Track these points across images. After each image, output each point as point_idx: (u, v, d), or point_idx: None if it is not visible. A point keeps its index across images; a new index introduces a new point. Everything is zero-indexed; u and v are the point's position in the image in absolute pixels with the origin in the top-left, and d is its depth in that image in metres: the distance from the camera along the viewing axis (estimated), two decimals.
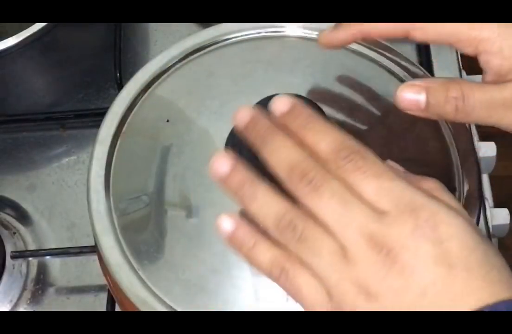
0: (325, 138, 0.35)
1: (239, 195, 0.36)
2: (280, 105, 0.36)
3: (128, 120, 0.47)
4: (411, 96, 0.37)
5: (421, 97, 0.36)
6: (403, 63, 0.48)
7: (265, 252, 0.35)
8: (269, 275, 0.35)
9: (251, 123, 0.36)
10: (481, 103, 0.36)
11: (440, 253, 0.32)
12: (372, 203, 0.33)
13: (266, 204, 0.35)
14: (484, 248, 0.33)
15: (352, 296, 0.33)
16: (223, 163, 0.36)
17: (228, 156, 0.36)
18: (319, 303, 0.34)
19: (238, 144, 0.39)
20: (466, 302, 0.32)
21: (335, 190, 0.33)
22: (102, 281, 0.48)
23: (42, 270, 0.58)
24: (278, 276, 0.35)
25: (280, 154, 0.35)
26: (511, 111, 0.37)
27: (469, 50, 0.37)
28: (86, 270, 0.58)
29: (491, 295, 0.32)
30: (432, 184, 0.36)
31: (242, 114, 0.37)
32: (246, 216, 0.36)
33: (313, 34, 0.49)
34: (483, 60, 0.37)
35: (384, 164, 0.34)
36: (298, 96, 0.41)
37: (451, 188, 0.43)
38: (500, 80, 0.37)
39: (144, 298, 0.40)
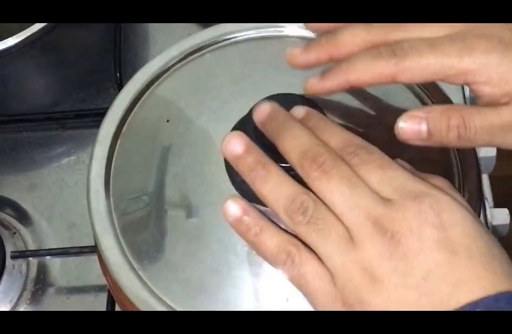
0: (334, 137, 0.37)
1: (251, 177, 0.37)
2: (296, 112, 0.39)
3: (128, 120, 0.47)
4: (412, 127, 0.37)
5: (423, 128, 0.37)
6: None
7: (272, 238, 0.36)
8: (275, 260, 0.36)
9: (271, 115, 0.38)
10: (482, 129, 0.37)
11: (444, 238, 0.33)
12: (377, 192, 0.34)
13: (278, 186, 0.36)
14: (487, 238, 0.34)
15: (357, 280, 0.33)
16: (237, 143, 0.37)
17: (243, 136, 0.38)
18: (323, 290, 0.34)
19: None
20: (468, 289, 0.32)
21: (344, 174, 0.35)
22: (102, 281, 0.48)
23: (42, 270, 0.58)
24: (283, 262, 0.35)
25: (294, 141, 0.36)
26: (511, 133, 0.37)
27: (458, 82, 0.37)
28: (86, 270, 0.58)
29: (493, 284, 0.32)
30: (439, 182, 0.37)
31: (263, 108, 0.39)
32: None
33: (313, 34, 0.49)
34: (474, 89, 0.38)
35: (388, 158, 0.36)
36: (298, 96, 0.41)
37: None
38: (494, 104, 0.37)
39: (144, 298, 0.40)
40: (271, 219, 0.37)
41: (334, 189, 0.34)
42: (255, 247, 0.36)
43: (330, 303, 0.34)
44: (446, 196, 0.34)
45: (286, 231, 0.36)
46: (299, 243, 0.35)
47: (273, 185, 0.36)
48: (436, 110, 0.37)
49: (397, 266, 0.33)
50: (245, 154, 0.37)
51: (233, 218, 0.37)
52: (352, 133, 0.37)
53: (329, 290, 0.34)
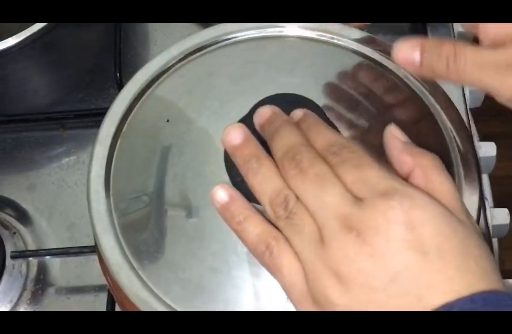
0: (321, 138, 0.37)
1: (245, 167, 0.38)
2: (295, 115, 0.40)
3: (128, 120, 0.47)
4: (406, 53, 0.38)
5: (416, 55, 0.38)
6: None
7: (254, 228, 0.36)
8: (254, 250, 0.36)
9: (269, 119, 0.39)
10: (472, 63, 0.37)
11: (413, 238, 0.32)
12: (351, 191, 0.34)
13: (267, 180, 0.36)
14: (462, 236, 0.33)
15: (324, 279, 0.33)
16: (237, 134, 0.38)
17: (243, 128, 0.39)
18: (297, 285, 0.34)
19: None
20: (439, 291, 0.31)
21: (318, 173, 0.35)
22: (102, 281, 0.48)
23: (42, 270, 0.58)
24: (262, 253, 0.35)
25: (281, 142, 0.37)
26: (502, 75, 0.37)
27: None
28: (86, 270, 0.58)
29: (466, 285, 0.31)
30: (430, 161, 0.36)
31: (264, 111, 0.40)
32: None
33: (313, 34, 0.49)
34: (481, 30, 0.38)
35: (370, 157, 0.35)
36: (298, 96, 0.41)
37: None
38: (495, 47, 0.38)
39: (144, 298, 0.40)
40: (260, 211, 0.37)
41: (308, 188, 0.35)
42: (238, 235, 0.37)
43: (302, 300, 0.34)
44: (419, 192, 0.34)
45: (271, 223, 0.36)
46: (280, 236, 0.35)
47: (262, 178, 0.36)
48: (431, 40, 0.39)
49: (363, 267, 0.32)
50: (243, 146, 0.38)
51: (219, 204, 0.38)
52: (340, 134, 0.37)
53: (302, 286, 0.34)
